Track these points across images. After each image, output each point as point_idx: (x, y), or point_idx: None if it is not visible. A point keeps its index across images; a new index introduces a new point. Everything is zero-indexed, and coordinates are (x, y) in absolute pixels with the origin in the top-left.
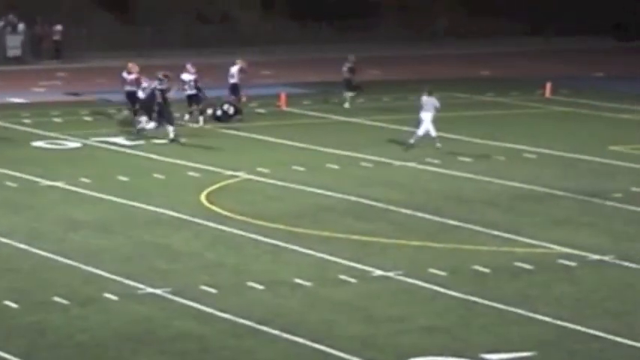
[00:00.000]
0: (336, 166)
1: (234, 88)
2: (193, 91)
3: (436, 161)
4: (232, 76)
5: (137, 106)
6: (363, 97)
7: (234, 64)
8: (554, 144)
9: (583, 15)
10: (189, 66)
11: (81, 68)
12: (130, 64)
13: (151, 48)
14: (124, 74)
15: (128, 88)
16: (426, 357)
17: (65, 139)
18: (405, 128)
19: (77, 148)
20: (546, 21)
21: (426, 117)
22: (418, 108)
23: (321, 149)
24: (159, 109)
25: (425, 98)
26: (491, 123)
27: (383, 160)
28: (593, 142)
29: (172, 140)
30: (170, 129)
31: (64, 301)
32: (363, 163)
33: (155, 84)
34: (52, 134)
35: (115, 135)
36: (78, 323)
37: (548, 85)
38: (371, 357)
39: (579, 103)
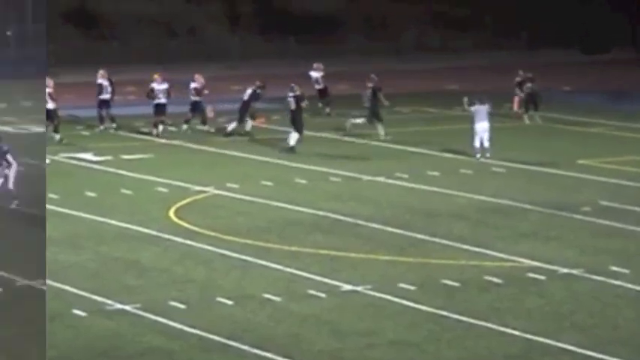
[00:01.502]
0: (304, 181)
1: (324, 92)
2: (163, 101)
3: (405, 175)
4: (318, 82)
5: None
6: (332, 111)
7: (315, 70)
8: (523, 157)
9: (549, 28)
10: (157, 76)
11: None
12: (196, 75)
13: (118, 63)
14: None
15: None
16: None
17: None
18: (374, 143)
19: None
20: (513, 35)
21: (484, 127)
22: (471, 118)
23: (290, 164)
24: (292, 116)
25: (477, 107)
26: (460, 137)
27: (351, 174)
28: (561, 156)
29: (291, 148)
30: (295, 136)
31: None
32: (332, 178)
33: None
34: None
35: (84, 151)
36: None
37: (516, 99)
38: None
39: (547, 116)
